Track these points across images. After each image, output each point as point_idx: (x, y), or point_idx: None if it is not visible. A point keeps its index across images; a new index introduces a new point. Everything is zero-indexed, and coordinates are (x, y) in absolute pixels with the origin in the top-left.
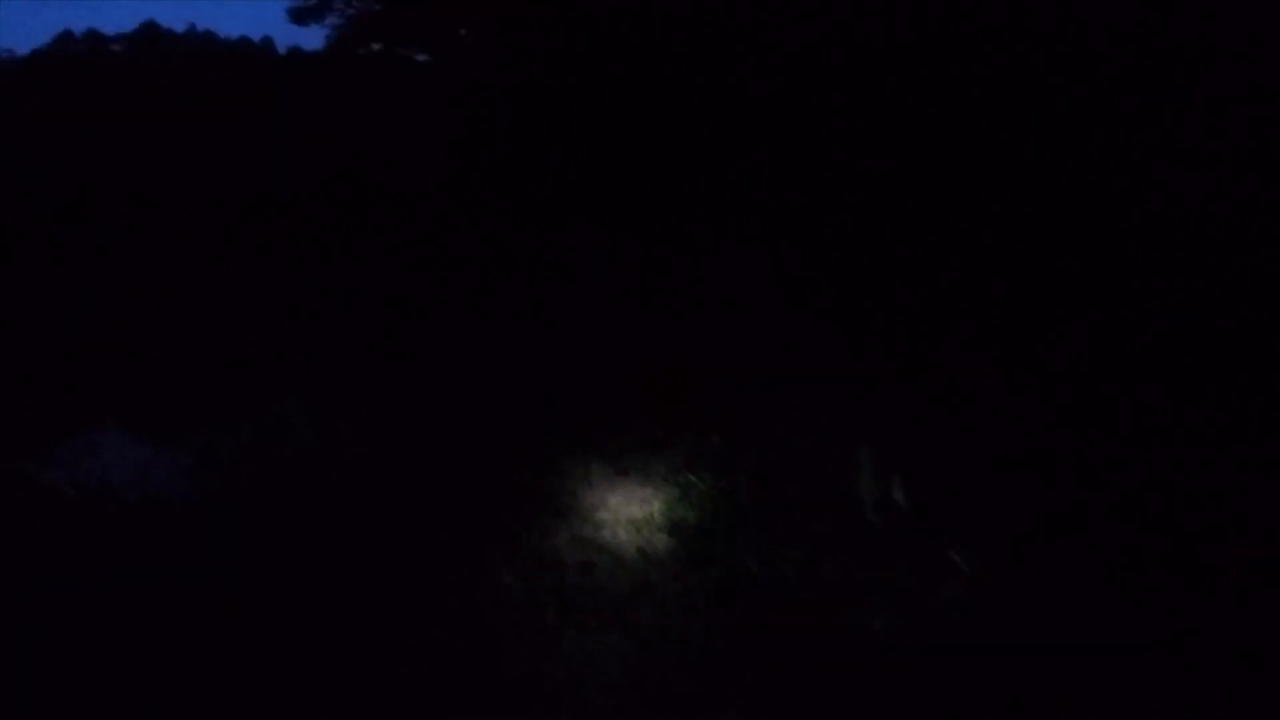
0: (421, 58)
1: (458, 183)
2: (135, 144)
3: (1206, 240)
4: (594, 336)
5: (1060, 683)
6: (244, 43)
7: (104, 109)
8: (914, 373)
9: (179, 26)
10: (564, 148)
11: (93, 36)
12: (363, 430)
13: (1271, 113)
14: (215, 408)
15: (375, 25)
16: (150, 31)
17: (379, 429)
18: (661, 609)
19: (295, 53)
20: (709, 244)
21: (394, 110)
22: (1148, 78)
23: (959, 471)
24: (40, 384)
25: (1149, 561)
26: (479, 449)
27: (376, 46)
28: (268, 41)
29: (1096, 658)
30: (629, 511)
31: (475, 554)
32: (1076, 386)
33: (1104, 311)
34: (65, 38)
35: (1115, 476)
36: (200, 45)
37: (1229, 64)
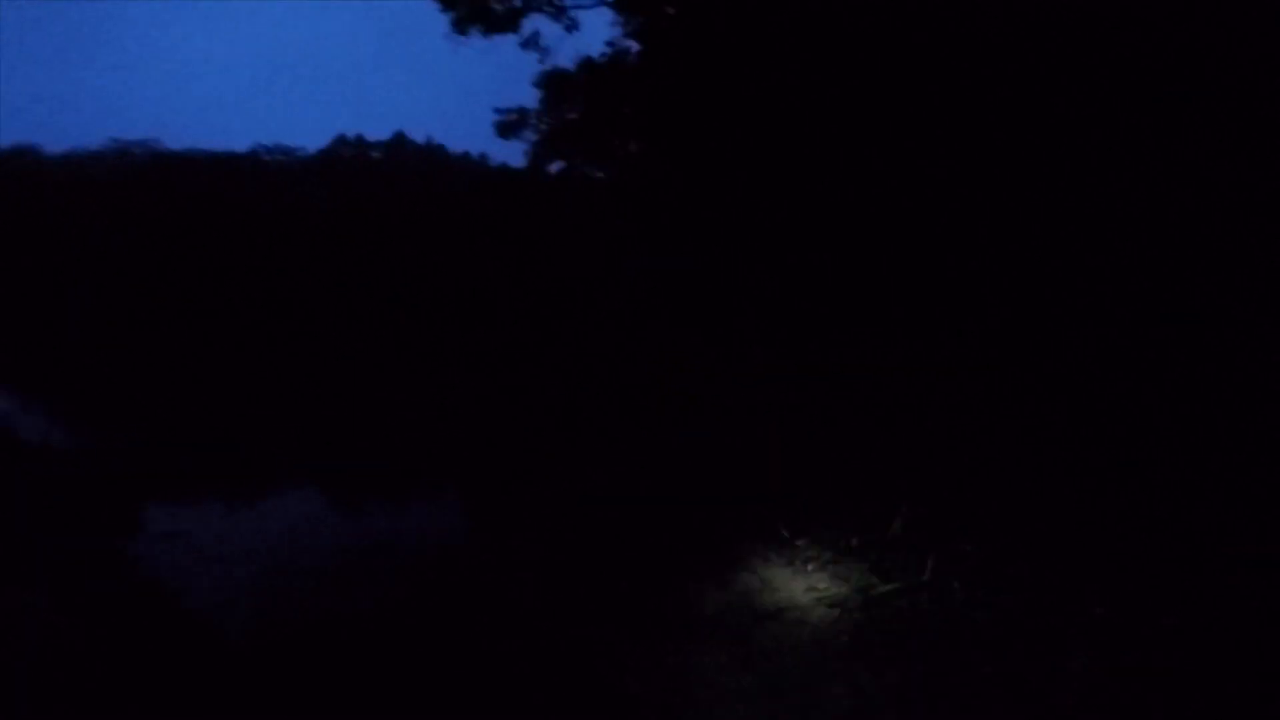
0: (599, 174)
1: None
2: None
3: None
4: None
5: None
6: (466, 159)
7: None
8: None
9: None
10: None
11: (360, 142)
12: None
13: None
14: None
15: (560, 143)
16: (401, 140)
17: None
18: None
19: (502, 169)
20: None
21: (572, 220)
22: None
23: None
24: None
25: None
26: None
27: (559, 164)
28: (483, 157)
29: None
30: None
31: None
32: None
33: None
34: (340, 139)
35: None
36: (436, 157)
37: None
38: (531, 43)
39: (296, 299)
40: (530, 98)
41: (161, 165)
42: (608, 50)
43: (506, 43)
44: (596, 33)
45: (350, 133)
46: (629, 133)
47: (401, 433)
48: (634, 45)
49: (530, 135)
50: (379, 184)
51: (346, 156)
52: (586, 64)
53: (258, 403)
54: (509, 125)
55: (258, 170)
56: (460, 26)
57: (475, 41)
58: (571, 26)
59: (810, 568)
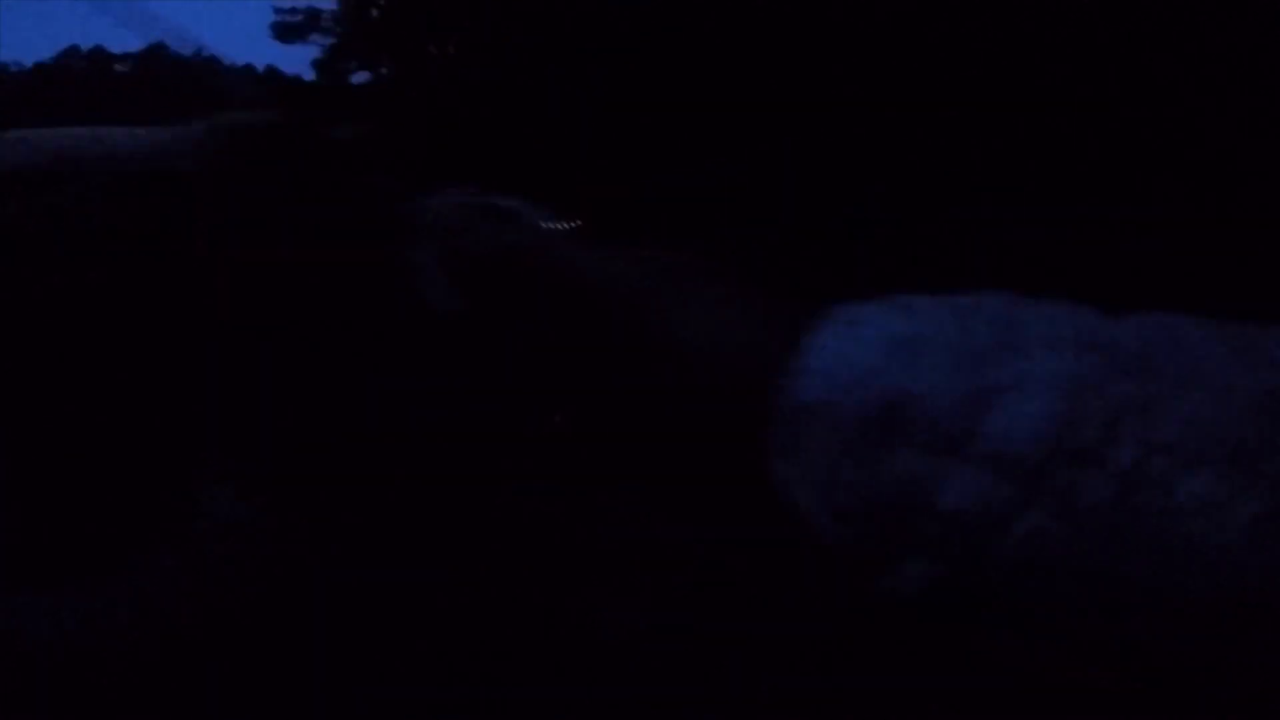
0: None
1: None
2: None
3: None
4: None
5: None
6: (248, 72)
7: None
8: None
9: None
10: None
11: (99, 53)
12: None
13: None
14: None
15: (360, 45)
16: (158, 52)
17: None
18: None
19: (295, 82)
20: None
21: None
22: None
23: None
24: None
25: None
26: None
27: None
28: (271, 70)
29: None
30: None
31: None
32: None
33: None
34: (71, 52)
35: None
36: (205, 72)
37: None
38: None
39: None
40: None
41: None
42: None
43: None
44: None
45: (87, 44)
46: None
47: None
48: None
49: (321, 39)
50: (121, 107)
51: (78, 71)
52: None
53: None
54: (292, 27)
55: None
56: None
57: None
58: None
59: None
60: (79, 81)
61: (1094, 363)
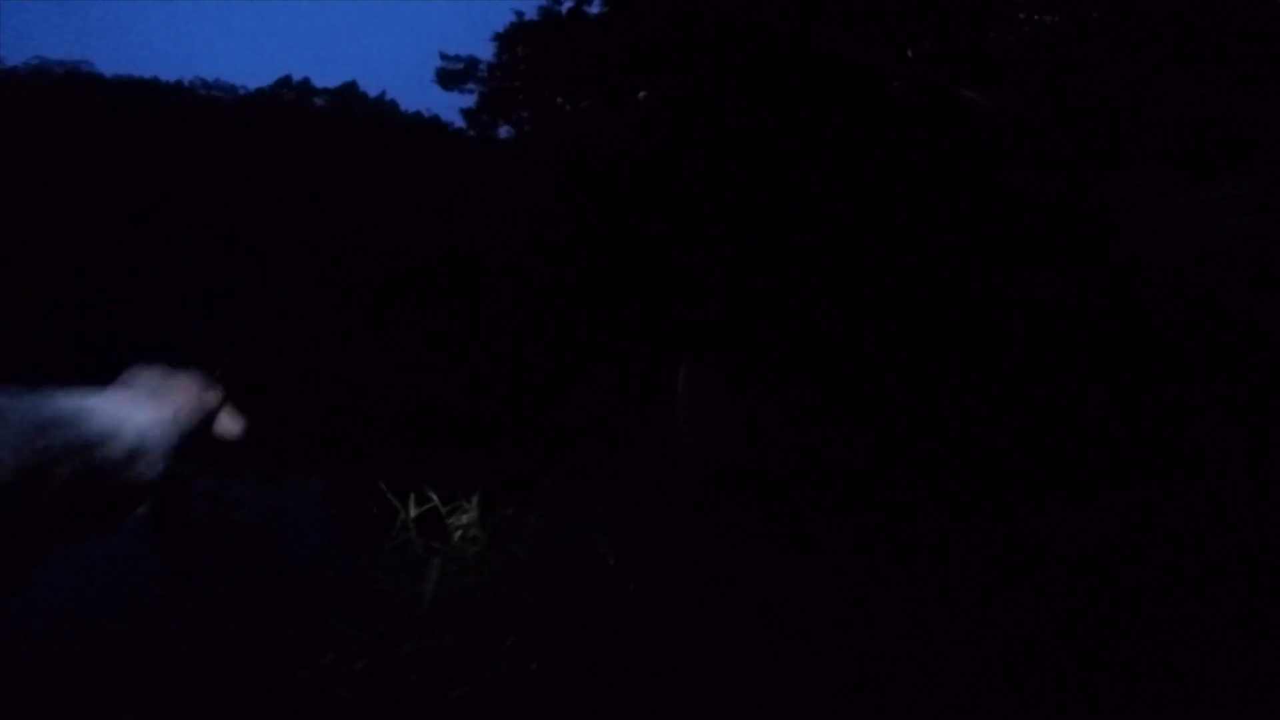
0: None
1: None
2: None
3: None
4: None
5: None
6: (429, 122)
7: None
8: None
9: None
10: None
11: (306, 85)
12: None
13: None
14: None
15: (506, 98)
16: (351, 90)
17: None
18: None
19: (455, 134)
20: None
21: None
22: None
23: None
24: None
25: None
26: None
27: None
28: (435, 119)
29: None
30: None
31: None
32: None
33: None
34: (284, 82)
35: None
36: (386, 114)
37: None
38: None
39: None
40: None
41: (85, 89)
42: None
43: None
44: None
45: (297, 76)
46: (580, 90)
47: None
48: None
49: (475, 87)
50: (318, 134)
51: (288, 101)
52: (548, 13)
53: None
54: (453, 75)
55: (189, 104)
56: None
57: None
58: None
59: None
60: (287, 110)
61: None
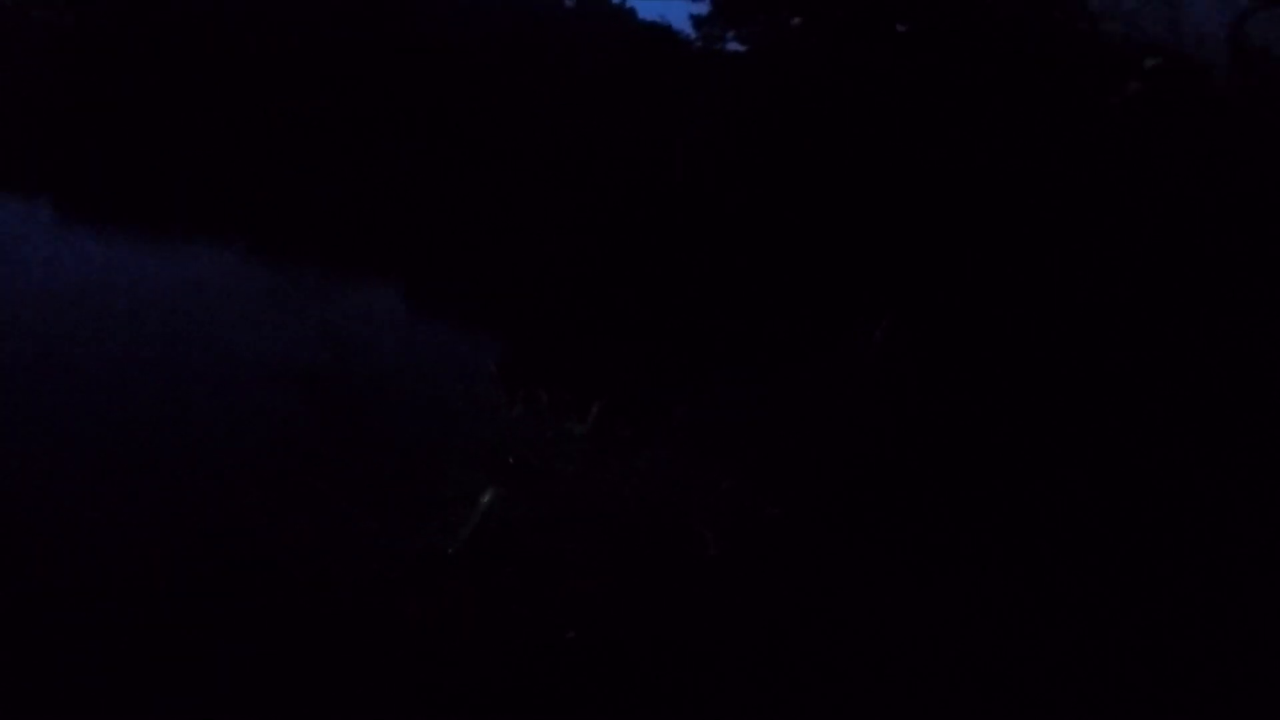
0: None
1: None
2: None
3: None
4: None
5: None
6: (662, 30)
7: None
8: None
9: None
10: None
11: None
12: None
13: None
14: None
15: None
16: None
17: None
18: None
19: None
20: None
21: None
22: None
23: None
24: None
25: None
26: None
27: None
28: (669, 27)
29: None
30: None
31: None
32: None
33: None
34: None
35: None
36: (625, 20)
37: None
38: None
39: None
40: None
41: None
42: None
43: None
44: None
45: None
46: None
47: None
48: None
49: None
50: (565, 33)
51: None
52: None
53: None
54: None
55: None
56: None
57: None
58: None
59: None
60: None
61: None
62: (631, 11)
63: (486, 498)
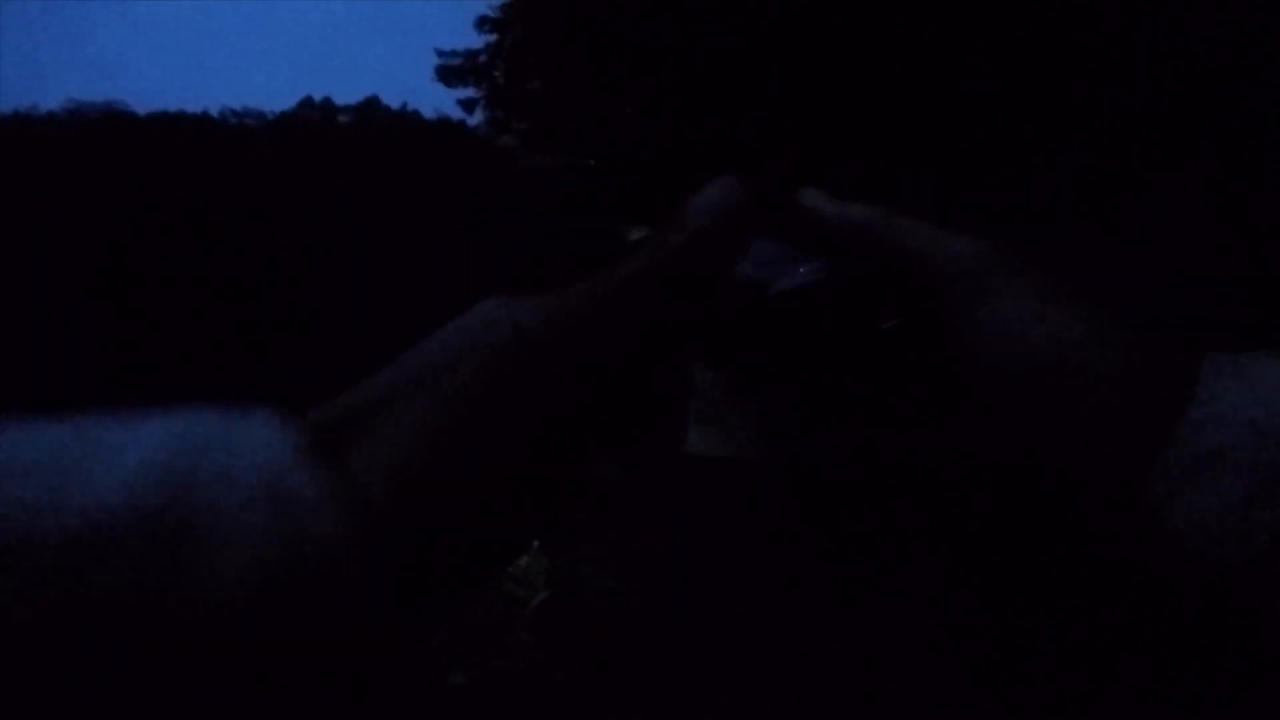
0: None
1: None
2: None
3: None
4: None
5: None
6: (453, 125)
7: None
8: None
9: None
10: None
11: (328, 105)
12: None
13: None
14: None
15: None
16: (373, 105)
17: None
18: None
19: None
20: None
21: None
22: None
23: None
24: None
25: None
26: None
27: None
28: (462, 122)
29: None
30: None
31: None
32: None
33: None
34: (307, 103)
35: None
36: (410, 123)
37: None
38: None
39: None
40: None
41: (119, 128)
42: None
43: None
44: None
45: (318, 95)
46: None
47: None
48: None
49: (475, 84)
50: (343, 151)
51: (313, 120)
52: None
53: None
54: (453, 71)
55: (221, 134)
56: None
57: None
58: None
59: None
60: (312, 131)
61: None
62: (416, 113)
63: None
